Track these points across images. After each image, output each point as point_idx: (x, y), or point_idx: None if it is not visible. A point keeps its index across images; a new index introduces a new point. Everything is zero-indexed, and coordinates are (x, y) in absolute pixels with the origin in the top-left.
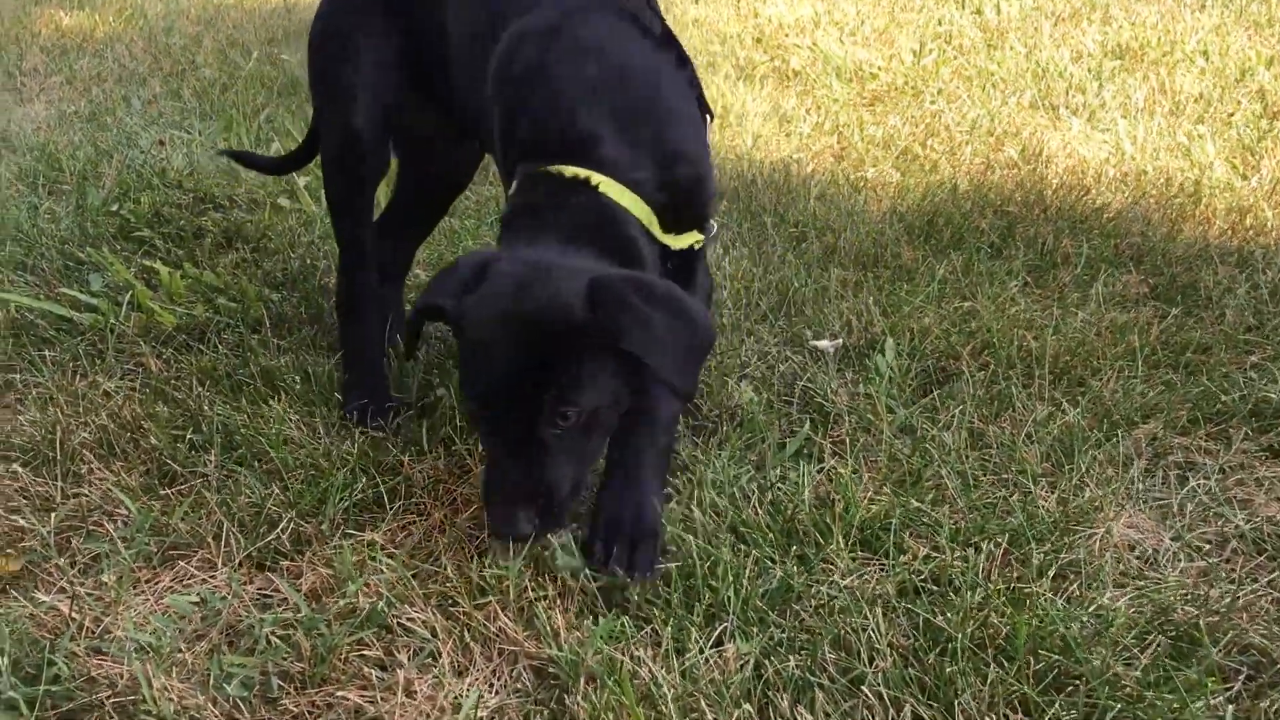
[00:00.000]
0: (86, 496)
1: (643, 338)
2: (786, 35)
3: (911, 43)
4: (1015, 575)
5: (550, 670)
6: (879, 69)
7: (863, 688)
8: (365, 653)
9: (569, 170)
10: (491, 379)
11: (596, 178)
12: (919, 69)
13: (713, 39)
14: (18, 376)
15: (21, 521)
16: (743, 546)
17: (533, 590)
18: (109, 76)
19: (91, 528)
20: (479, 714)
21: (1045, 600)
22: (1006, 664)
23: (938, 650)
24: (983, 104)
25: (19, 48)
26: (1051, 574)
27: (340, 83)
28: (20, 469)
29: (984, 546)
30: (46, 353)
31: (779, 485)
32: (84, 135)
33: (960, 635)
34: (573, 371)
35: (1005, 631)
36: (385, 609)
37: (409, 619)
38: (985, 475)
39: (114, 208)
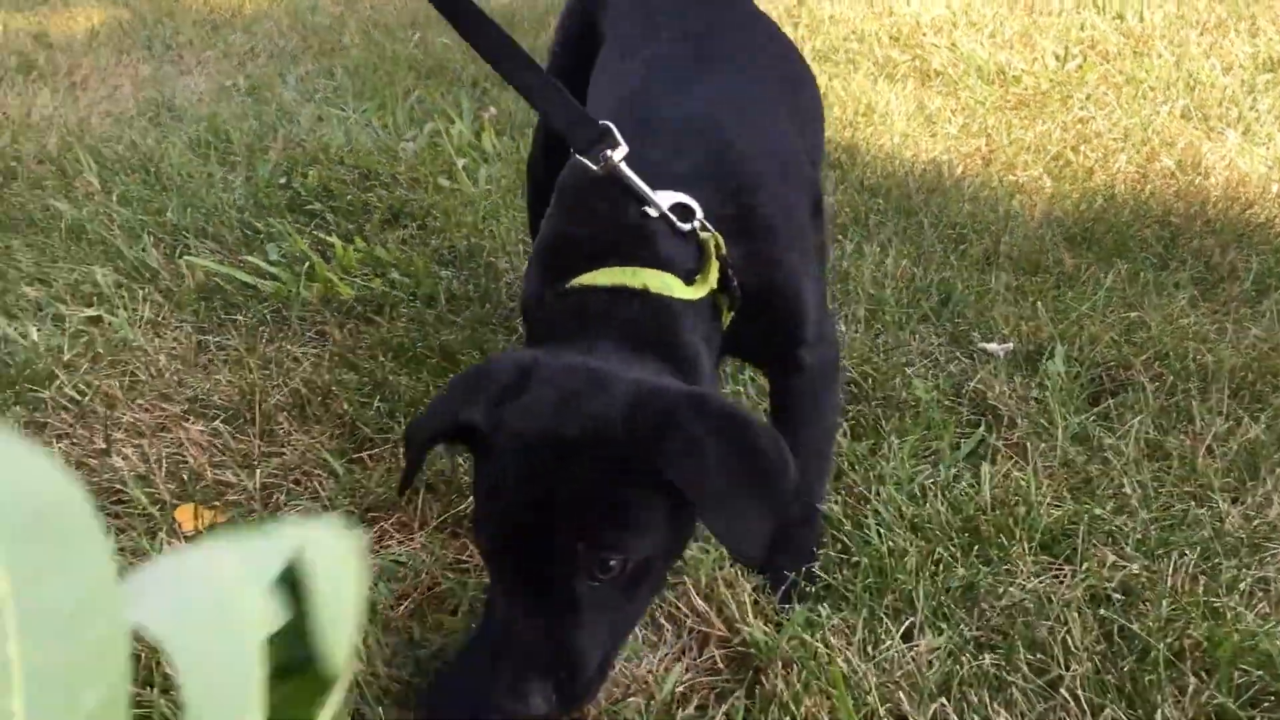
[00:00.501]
0: (285, 456)
1: (690, 470)
2: (924, 34)
3: (1054, 46)
4: (1204, 588)
5: (742, 653)
6: (1022, 72)
7: (1060, 690)
8: None
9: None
10: (516, 512)
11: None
12: (1064, 74)
13: (850, 36)
14: (210, 338)
15: (228, 476)
16: (924, 543)
17: (723, 574)
18: (261, 53)
19: (291, 485)
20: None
21: (1240, 615)
22: (1205, 676)
23: (1135, 658)
24: (1134, 112)
25: (173, 21)
26: (1242, 589)
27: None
28: (221, 426)
29: (1171, 558)
30: (237, 317)
31: (956, 485)
32: (246, 109)
33: (1159, 645)
34: (619, 510)
35: (1203, 644)
36: None
37: None
38: (1165, 488)
39: (283, 180)
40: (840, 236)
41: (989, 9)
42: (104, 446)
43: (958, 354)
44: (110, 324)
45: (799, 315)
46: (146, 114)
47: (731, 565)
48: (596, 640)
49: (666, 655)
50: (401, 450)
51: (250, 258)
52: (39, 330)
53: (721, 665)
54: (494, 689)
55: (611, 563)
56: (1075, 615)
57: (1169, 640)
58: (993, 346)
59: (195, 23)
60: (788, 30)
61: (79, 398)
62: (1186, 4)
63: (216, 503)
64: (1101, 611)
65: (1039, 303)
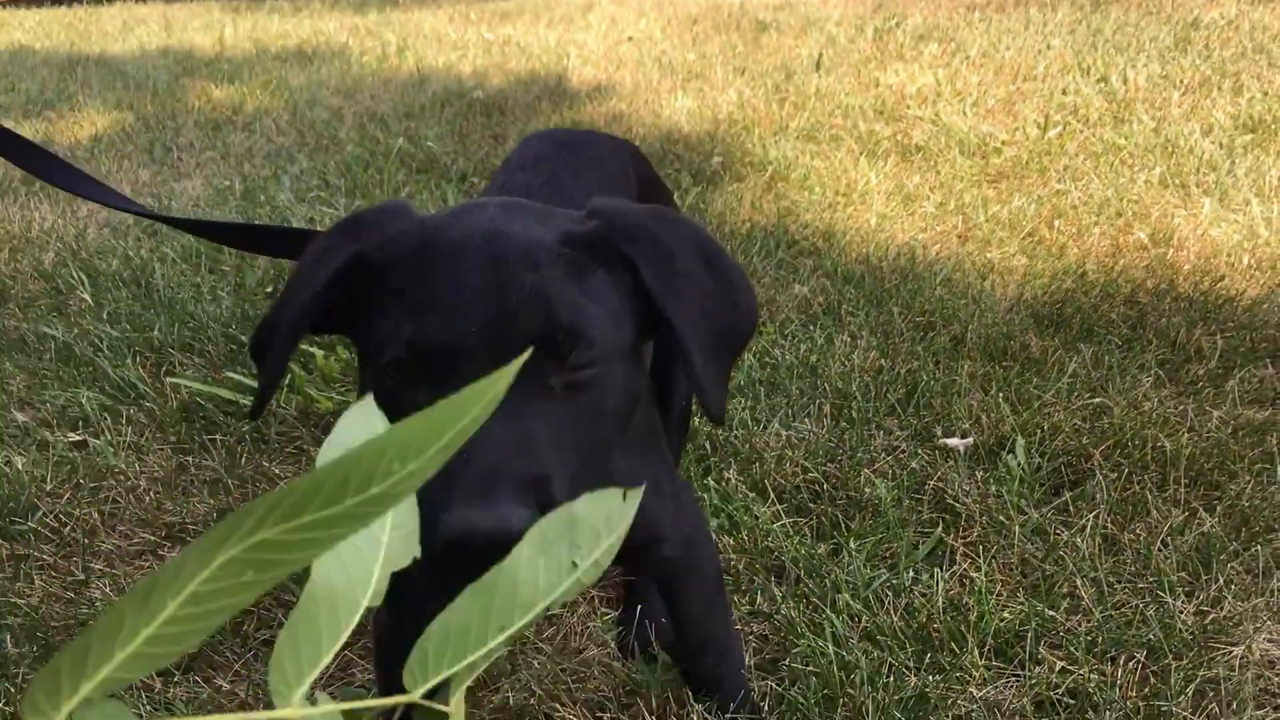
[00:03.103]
0: None
1: (663, 274)
2: (908, 106)
3: (1036, 114)
4: (1152, 691)
5: None
6: (1003, 142)
7: None
8: None
9: None
10: (469, 313)
11: None
12: (1044, 142)
13: (835, 111)
14: (190, 460)
15: None
16: (877, 653)
17: (675, 696)
18: (258, 152)
19: (262, 612)
20: None
21: None
22: None
23: None
24: (1110, 182)
25: (175, 123)
26: (1191, 691)
27: None
28: None
29: (1120, 660)
30: (217, 436)
31: (912, 589)
32: (239, 211)
33: None
34: (585, 306)
35: None
36: (536, 705)
37: (560, 718)
38: (1120, 583)
39: (269, 289)
40: (811, 326)
41: (975, 76)
42: (83, 578)
43: (919, 450)
44: (94, 448)
45: (646, 518)
46: (142, 224)
47: (682, 687)
48: (572, 447)
49: None
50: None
51: (232, 374)
52: (23, 458)
53: None
54: (456, 503)
55: (577, 362)
56: None
57: None
58: (954, 441)
59: (197, 123)
60: (773, 109)
61: (59, 528)
62: (1171, 64)
63: None
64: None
65: (1002, 393)
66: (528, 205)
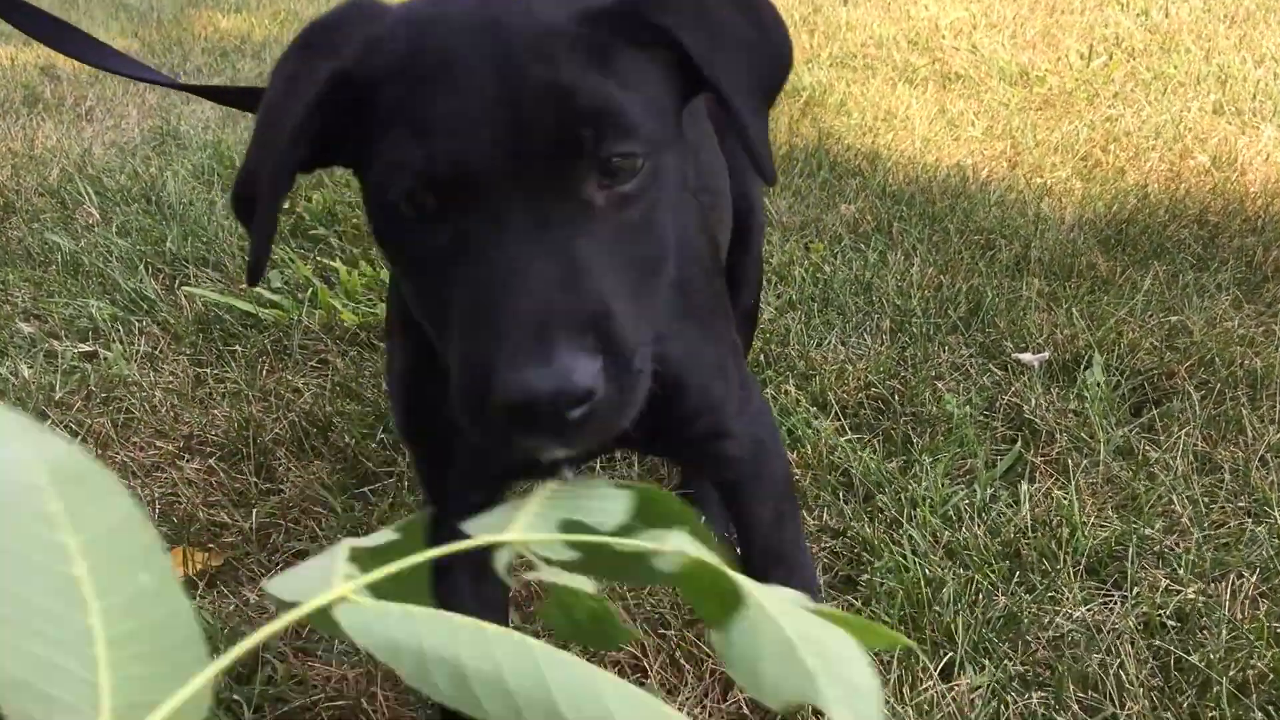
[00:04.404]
0: (284, 493)
1: (705, 39)
2: (943, 37)
3: (1078, 45)
4: (1266, 613)
5: None
6: (1046, 71)
7: None
8: None
9: None
10: (479, 129)
11: None
12: (1089, 72)
13: (867, 42)
14: (208, 371)
15: (223, 516)
16: (961, 571)
17: None
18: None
19: (290, 525)
20: None
21: None
22: (1273, 711)
23: (1195, 692)
24: (1164, 108)
25: (182, 49)
26: None
27: None
28: (216, 464)
29: (1229, 580)
30: (236, 348)
31: (991, 506)
32: (250, 133)
33: (1221, 678)
34: (614, 86)
35: (1269, 675)
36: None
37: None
38: (1216, 503)
39: (285, 205)
40: (863, 245)
41: (1009, 10)
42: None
43: (990, 366)
44: (105, 359)
45: (710, 403)
46: (151, 143)
47: None
48: (625, 283)
49: (687, 700)
50: (407, 485)
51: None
52: (30, 368)
53: (747, 711)
54: (506, 362)
55: (623, 159)
56: (1128, 647)
57: (1231, 672)
58: (1027, 357)
59: (204, 50)
60: (803, 38)
61: (70, 438)
62: None
63: (211, 545)
64: (1156, 641)
65: (1074, 309)
66: None
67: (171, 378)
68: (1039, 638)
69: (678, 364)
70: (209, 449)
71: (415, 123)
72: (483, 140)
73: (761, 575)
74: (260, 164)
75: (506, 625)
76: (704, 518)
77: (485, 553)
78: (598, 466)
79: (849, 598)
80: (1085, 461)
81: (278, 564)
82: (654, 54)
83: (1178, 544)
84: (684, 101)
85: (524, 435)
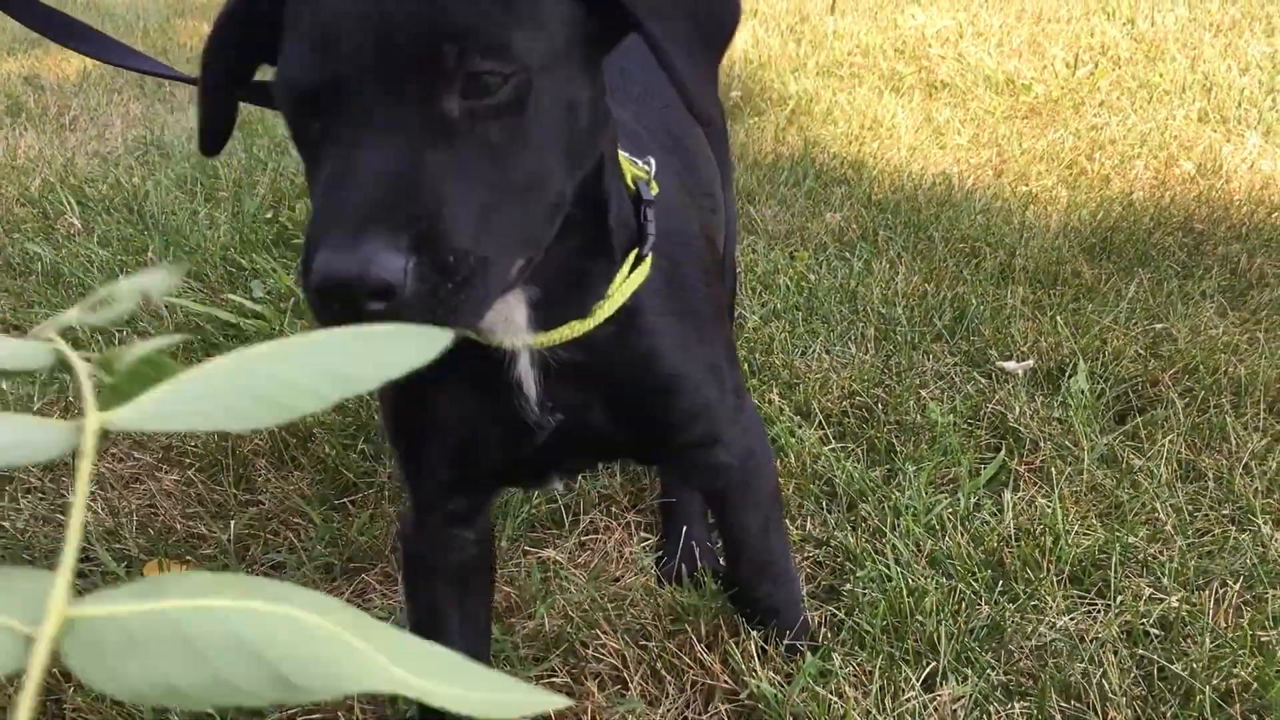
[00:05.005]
0: (263, 505)
1: None
2: (929, 45)
3: (1064, 54)
4: (1250, 621)
5: (749, 705)
6: (1032, 79)
7: None
8: (553, 679)
9: None
10: (354, 27)
11: None
12: (1075, 80)
13: (854, 50)
14: None
15: (201, 528)
16: (944, 580)
17: (727, 623)
18: None
19: (269, 536)
20: None
21: None
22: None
23: (1178, 702)
24: (1149, 117)
25: (166, 58)
26: None
27: None
28: (195, 475)
29: (1212, 589)
30: (215, 356)
31: (975, 515)
32: (236, 142)
33: (1205, 687)
34: (494, 9)
35: (1252, 684)
36: (573, 632)
37: (599, 645)
38: (1200, 511)
39: (269, 214)
40: (848, 254)
41: (995, 19)
42: (72, 501)
43: (974, 374)
44: None
45: (703, 405)
46: (134, 153)
47: (734, 613)
48: (471, 193)
49: (668, 711)
50: (388, 496)
51: (233, 296)
52: (8, 381)
53: None
54: (321, 244)
55: (491, 75)
56: (1111, 656)
57: (1215, 681)
58: (1011, 365)
59: (189, 59)
60: (790, 47)
61: None
62: (1199, 7)
63: (189, 557)
64: (1139, 650)
65: (1058, 317)
66: None
67: None
68: (1022, 647)
69: (672, 361)
70: (188, 460)
71: (300, 36)
72: (353, 52)
73: (749, 585)
74: (204, 55)
75: (489, 637)
76: (686, 529)
77: (469, 568)
78: (587, 475)
79: (831, 608)
80: (1069, 470)
81: (255, 575)
82: None
83: (1161, 552)
84: (605, 36)
85: (327, 318)
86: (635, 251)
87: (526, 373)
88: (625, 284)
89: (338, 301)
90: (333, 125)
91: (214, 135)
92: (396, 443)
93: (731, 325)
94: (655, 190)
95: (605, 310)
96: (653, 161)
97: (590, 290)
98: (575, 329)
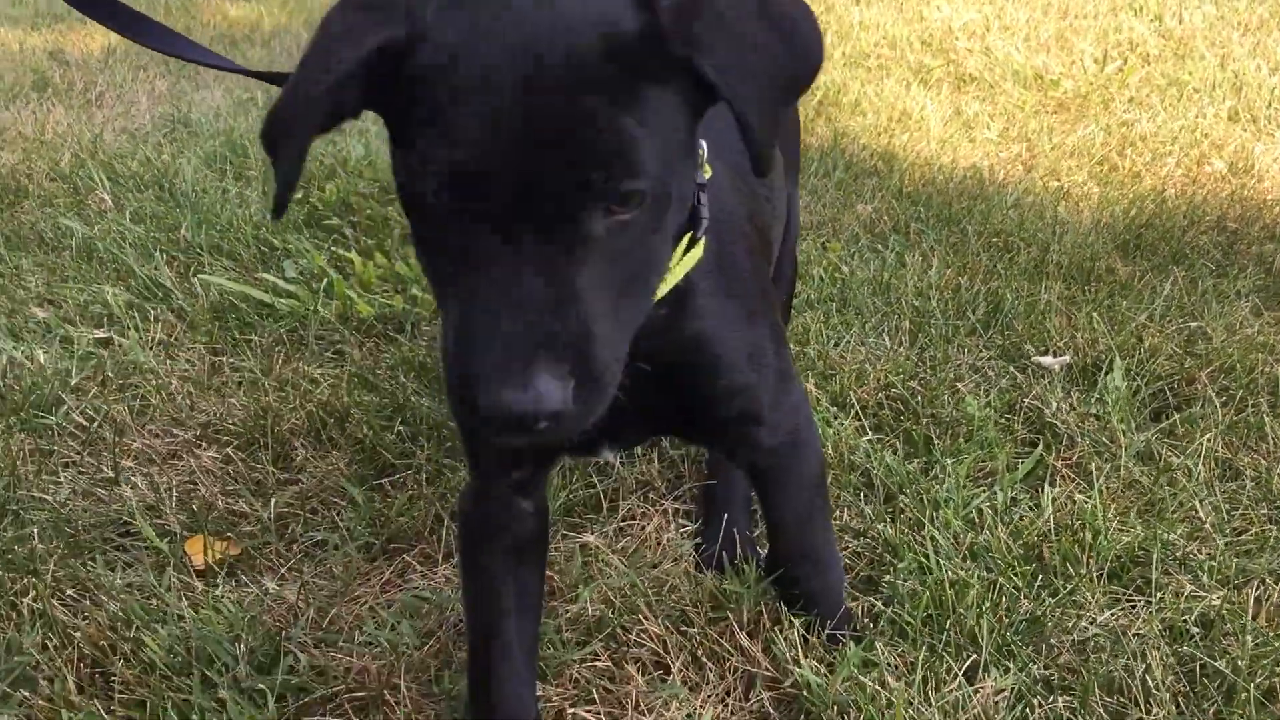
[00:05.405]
0: (302, 484)
1: (729, 69)
2: (956, 39)
3: (1092, 49)
4: None
5: (790, 693)
6: (1060, 75)
7: None
8: (595, 664)
9: None
10: (503, 142)
11: None
12: (1104, 77)
13: (880, 42)
14: (225, 360)
15: (241, 505)
16: (984, 574)
17: (768, 610)
18: (279, 66)
19: (308, 515)
20: None
21: None
22: None
23: (1221, 698)
24: (1179, 114)
25: (191, 36)
26: None
27: None
28: (233, 453)
29: (1253, 587)
30: (252, 337)
31: (1014, 509)
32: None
33: (1248, 685)
34: (630, 123)
35: None
36: (614, 617)
37: (640, 630)
38: (1240, 510)
39: (300, 195)
40: (880, 246)
41: (1022, 13)
42: (112, 475)
43: (1010, 369)
44: (121, 346)
45: (742, 385)
46: (162, 130)
47: (776, 600)
48: (609, 303)
49: (709, 697)
50: (425, 478)
51: (266, 275)
52: (46, 353)
53: (770, 709)
54: (488, 379)
55: (632, 190)
56: (1154, 652)
57: (1257, 679)
58: (1048, 360)
59: (213, 38)
60: None
61: (86, 424)
62: (1226, 5)
63: (229, 534)
64: (1180, 648)
65: (1094, 314)
66: None
67: (187, 365)
68: (1063, 641)
69: (717, 341)
70: (226, 438)
71: (449, 130)
72: (503, 163)
73: (788, 567)
74: (292, 110)
75: (540, 612)
76: (728, 516)
77: (526, 540)
78: (625, 459)
79: (870, 599)
80: (1106, 466)
81: (296, 554)
82: (675, 81)
83: (1200, 550)
84: (699, 116)
85: (496, 436)
86: (690, 234)
87: None
88: (679, 266)
89: (510, 430)
90: (475, 240)
91: (286, 199)
92: (458, 418)
93: (789, 313)
94: (708, 173)
95: (660, 291)
96: (704, 145)
97: None
98: None
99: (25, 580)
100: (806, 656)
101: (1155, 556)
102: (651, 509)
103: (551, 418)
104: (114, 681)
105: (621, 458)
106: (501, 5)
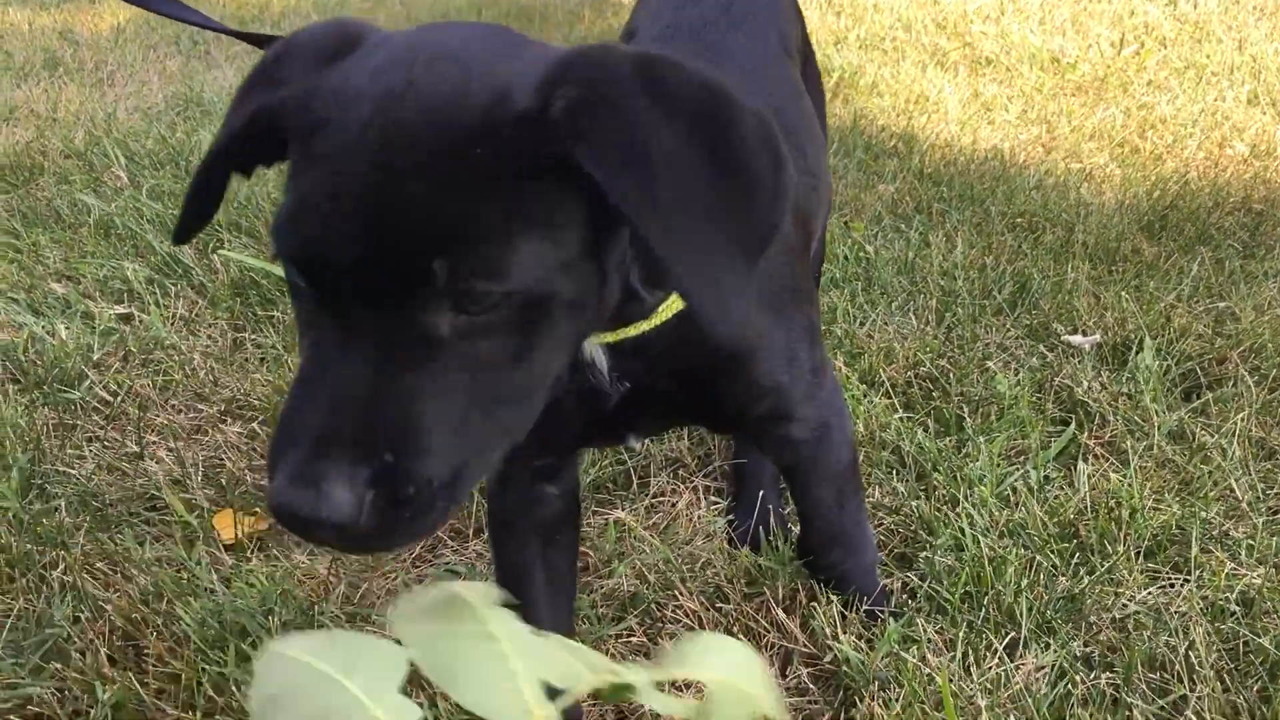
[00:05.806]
0: None
1: (626, 162)
2: (971, 22)
3: (1109, 33)
4: None
5: (829, 669)
6: (1077, 58)
7: (1186, 712)
8: (630, 639)
9: None
10: (340, 219)
11: None
12: (1121, 60)
13: (895, 24)
14: (247, 336)
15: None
16: (1021, 551)
17: (804, 586)
18: None
19: None
20: None
21: None
22: None
23: (1266, 675)
24: (1198, 97)
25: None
26: None
27: None
28: (258, 428)
29: None
30: (273, 313)
31: (1048, 487)
32: None
33: None
34: (512, 213)
35: None
36: (649, 593)
37: (675, 606)
38: (1275, 489)
39: None
40: (904, 226)
41: None
42: (137, 450)
43: (1039, 347)
44: (142, 321)
45: (774, 386)
46: (175, 108)
47: (810, 577)
48: (449, 415)
49: None
50: None
51: None
52: (67, 328)
53: (809, 684)
54: (280, 470)
55: (484, 291)
56: (1196, 629)
57: None
58: (1077, 339)
59: (222, 19)
60: (829, 19)
61: (110, 399)
62: None
63: (258, 509)
64: (1223, 625)
65: (1125, 293)
66: (480, 51)
67: (209, 341)
68: (1102, 619)
69: (740, 346)
70: (250, 413)
71: (298, 202)
72: (344, 247)
73: (820, 553)
74: (205, 159)
75: (573, 591)
76: (761, 493)
77: (554, 523)
78: (654, 440)
79: (906, 575)
80: (1140, 445)
81: None
82: (577, 179)
83: (1237, 528)
84: (610, 223)
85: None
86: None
87: (597, 351)
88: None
89: (295, 530)
90: (316, 312)
91: (191, 226)
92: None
93: (817, 293)
94: (676, 307)
95: (665, 314)
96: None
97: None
98: (640, 327)
99: (55, 553)
100: (845, 632)
101: (1194, 534)
102: (682, 486)
103: (336, 529)
104: (146, 654)
105: (648, 441)
106: (383, 71)
